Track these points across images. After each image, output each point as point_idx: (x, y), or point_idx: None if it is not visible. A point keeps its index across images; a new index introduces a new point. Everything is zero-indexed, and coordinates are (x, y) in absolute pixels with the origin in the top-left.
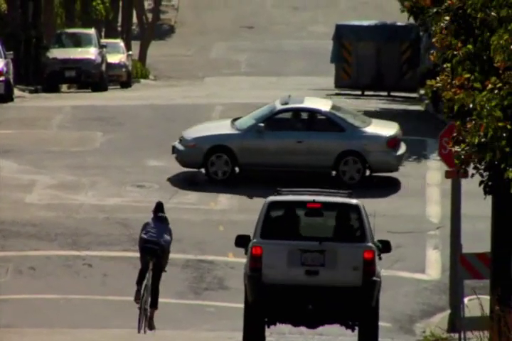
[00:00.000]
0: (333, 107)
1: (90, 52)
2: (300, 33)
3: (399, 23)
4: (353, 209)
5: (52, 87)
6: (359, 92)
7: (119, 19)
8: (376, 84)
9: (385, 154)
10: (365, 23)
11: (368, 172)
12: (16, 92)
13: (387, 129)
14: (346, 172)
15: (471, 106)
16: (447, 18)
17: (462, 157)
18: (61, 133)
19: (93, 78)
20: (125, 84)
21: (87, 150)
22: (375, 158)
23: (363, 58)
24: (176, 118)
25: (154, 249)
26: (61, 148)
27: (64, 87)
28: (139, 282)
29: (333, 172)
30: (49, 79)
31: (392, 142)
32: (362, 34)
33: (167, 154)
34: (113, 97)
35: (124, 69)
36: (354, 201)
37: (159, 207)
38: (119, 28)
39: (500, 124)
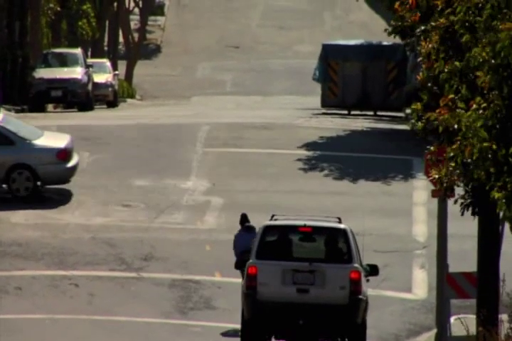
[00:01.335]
0: (3, 120)
1: (76, 72)
2: (285, 52)
3: (385, 43)
4: (341, 233)
5: (38, 107)
6: (345, 112)
7: (106, 39)
8: (362, 103)
9: (56, 166)
10: (351, 42)
11: (39, 184)
12: (3, 112)
13: (57, 141)
14: (17, 185)
15: (455, 126)
16: (435, 36)
17: (444, 183)
18: None
19: (79, 98)
20: (111, 104)
21: None
22: (46, 170)
23: (349, 77)
24: (162, 137)
25: None
26: None
27: (50, 107)
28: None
29: (4, 186)
30: (35, 98)
31: (63, 154)
32: (348, 53)
33: (153, 174)
34: (99, 117)
35: (110, 89)
36: (342, 226)
37: (245, 218)
38: (106, 48)
39: (485, 145)
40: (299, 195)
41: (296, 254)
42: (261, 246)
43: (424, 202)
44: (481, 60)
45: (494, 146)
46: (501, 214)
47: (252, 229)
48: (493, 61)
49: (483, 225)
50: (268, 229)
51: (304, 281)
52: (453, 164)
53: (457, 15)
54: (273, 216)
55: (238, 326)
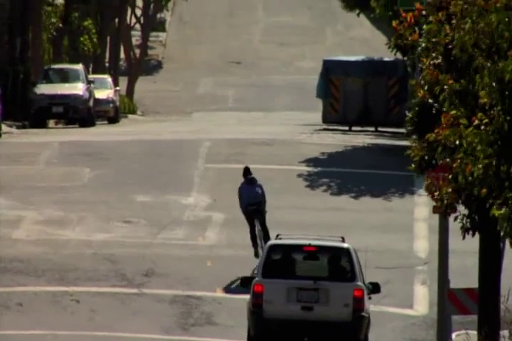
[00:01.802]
0: None
1: (78, 88)
2: (287, 68)
3: (386, 59)
4: (344, 253)
5: (39, 123)
6: (346, 128)
7: (107, 55)
8: (363, 119)
9: None
10: (353, 58)
11: None
12: (4, 128)
13: None
14: None
15: (457, 142)
16: (436, 54)
17: (445, 200)
18: (49, 168)
19: (80, 114)
20: (113, 120)
21: (74, 185)
22: None
23: (351, 93)
24: (164, 153)
25: (257, 209)
26: (49, 183)
27: (51, 123)
28: (254, 242)
29: None
30: (36, 114)
31: None
32: (349, 69)
33: (154, 189)
34: (100, 133)
35: (111, 105)
36: (345, 245)
37: (247, 171)
38: (107, 64)
39: (486, 161)
40: (301, 210)
41: (300, 273)
42: (267, 264)
43: (425, 218)
44: (483, 85)
45: (495, 162)
46: (502, 231)
47: (254, 180)
48: (494, 84)
49: (484, 241)
50: (273, 248)
51: (308, 299)
52: (453, 182)
53: (456, 40)
54: (278, 235)
55: None
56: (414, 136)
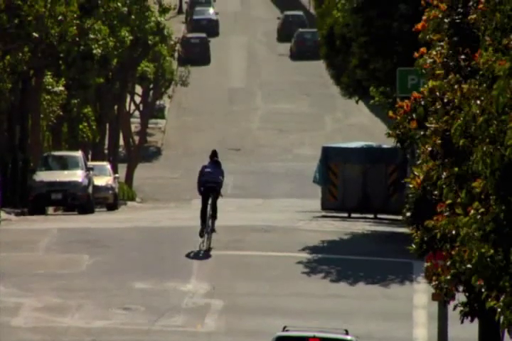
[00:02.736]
0: None
1: (77, 175)
2: (286, 155)
3: (385, 146)
4: None
5: (38, 210)
6: (346, 214)
7: (106, 141)
8: (363, 206)
9: None
10: (352, 145)
11: None
12: (2, 215)
13: None
14: None
15: (453, 232)
16: (434, 141)
17: (444, 289)
18: (48, 255)
19: (80, 200)
20: (112, 207)
21: (73, 272)
22: None
23: (350, 180)
24: (163, 240)
25: (213, 187)
26: (48, 270)
27: (50, 210)
28: (203, 221)
29: None
30: (35, 201)
31: None
32: (348, 156)
33: (153, 276)
34: (99, 220)
35: (110, 192)
36: (349, 337)
37: (214, 154)
38: (106, 151)
39: (483, 251)
40: (300, 297)
41: None
42: None
43: (424, 305)
44: (480, 168)
45: (491, 251)
46: (501, 319)
47: (219, 163)
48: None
49: (483, 329)
50: (280, 340)
51: None
52: (452, 270)
53: (455, 125)
54: (285, 327)
55: None
56: (412, 226)
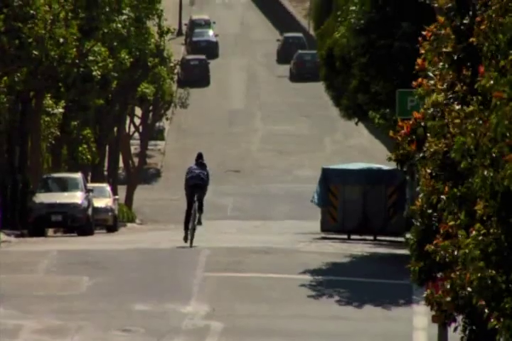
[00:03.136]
0: None
1: (77, 197)
2: (285, 176)
3: (385, 167)
4: None
5: (38, 232)
6: (345, 236)
7: (106, 163)
8: (362, 228)
9: None
10: (351, 166)
11: None
12: (2, 237)
13: None
14: None
15: (455, 253)
16: (434, 163)
17: (445, 311)
18: (47, 277)
19: (79, 222)
20: (111, 229)
21: (73, 294)
22: None
23: (349, 202)
24: (162, 262)
25: (199, 184)
26: (47, 292)
27: (50, 231)
28: (186, 226)
29: None
30: (35, 223)
31: None
32: (348, 178)
33: (153, 298)
34: (99, 241)
35: (110, 214)
36: None
37: (200, 156)
38: (106, 172)
39: (484, 274)
40: (301, 319)
41: None
42: None
43: (424, 327)
44: (480, 189)
45: (493, 273)
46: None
47: (204, 165)
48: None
49: None
50: None
51: None
52: (452, 291)
53: (455, 144)
54: None
55: None
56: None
